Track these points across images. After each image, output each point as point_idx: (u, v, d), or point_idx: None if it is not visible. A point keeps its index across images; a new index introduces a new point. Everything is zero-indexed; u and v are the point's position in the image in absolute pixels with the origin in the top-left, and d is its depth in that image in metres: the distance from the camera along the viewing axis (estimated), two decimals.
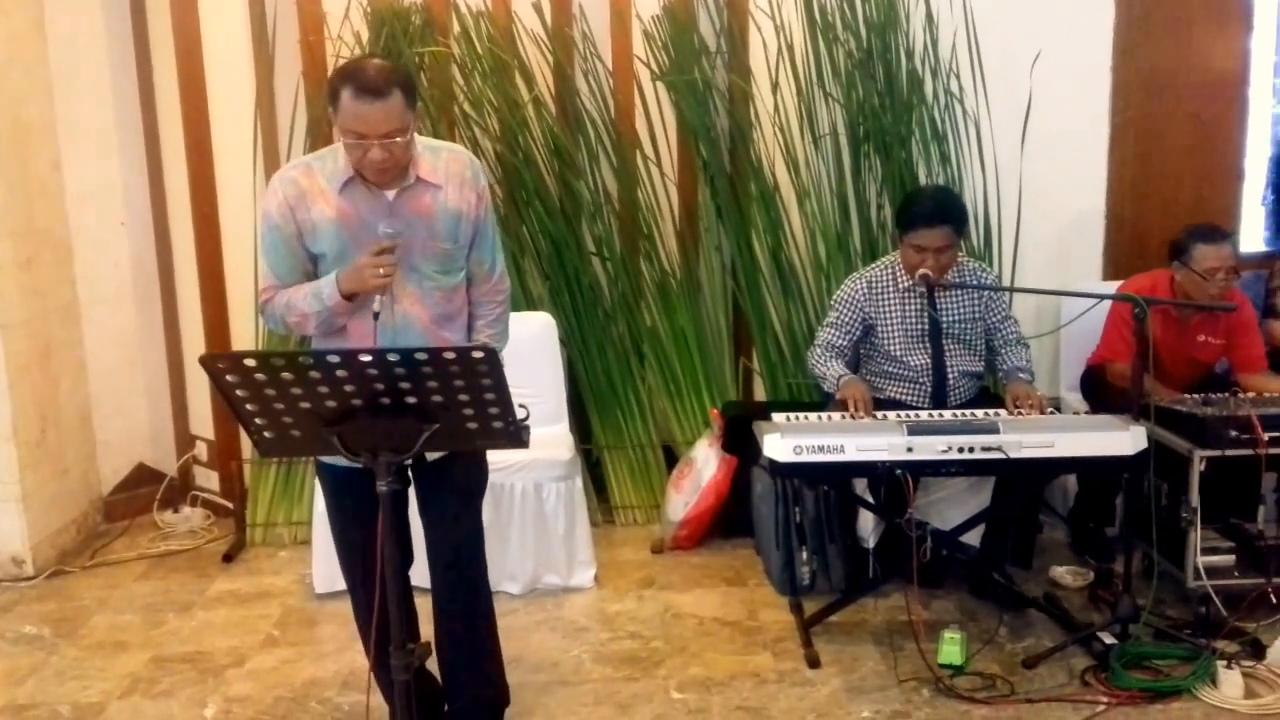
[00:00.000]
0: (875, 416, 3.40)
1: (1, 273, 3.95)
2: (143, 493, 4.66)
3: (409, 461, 2.51)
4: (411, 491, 2.71)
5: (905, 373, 3.70)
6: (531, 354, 3.99)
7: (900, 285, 3.68)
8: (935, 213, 3.57)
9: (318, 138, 4.23)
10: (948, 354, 3.68)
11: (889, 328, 3.69)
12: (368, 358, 2.02)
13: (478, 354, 2.02)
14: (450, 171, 2.57)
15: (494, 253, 2.71)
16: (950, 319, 3.68)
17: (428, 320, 2.57)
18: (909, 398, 3.70)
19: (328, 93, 2.44)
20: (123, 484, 4.66)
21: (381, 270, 2.38)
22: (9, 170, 4.00)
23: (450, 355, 2.01)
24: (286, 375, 2.03)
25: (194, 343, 4.55)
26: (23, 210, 4.09)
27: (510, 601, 3.71)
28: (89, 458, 4.52)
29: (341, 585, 3.50)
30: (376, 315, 2.40)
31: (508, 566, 3.75)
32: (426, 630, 2.81)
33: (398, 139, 2.38)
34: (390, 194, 2.48)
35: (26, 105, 4.12)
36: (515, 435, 2.22)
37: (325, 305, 2.47)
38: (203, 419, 4.63)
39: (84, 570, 4.15)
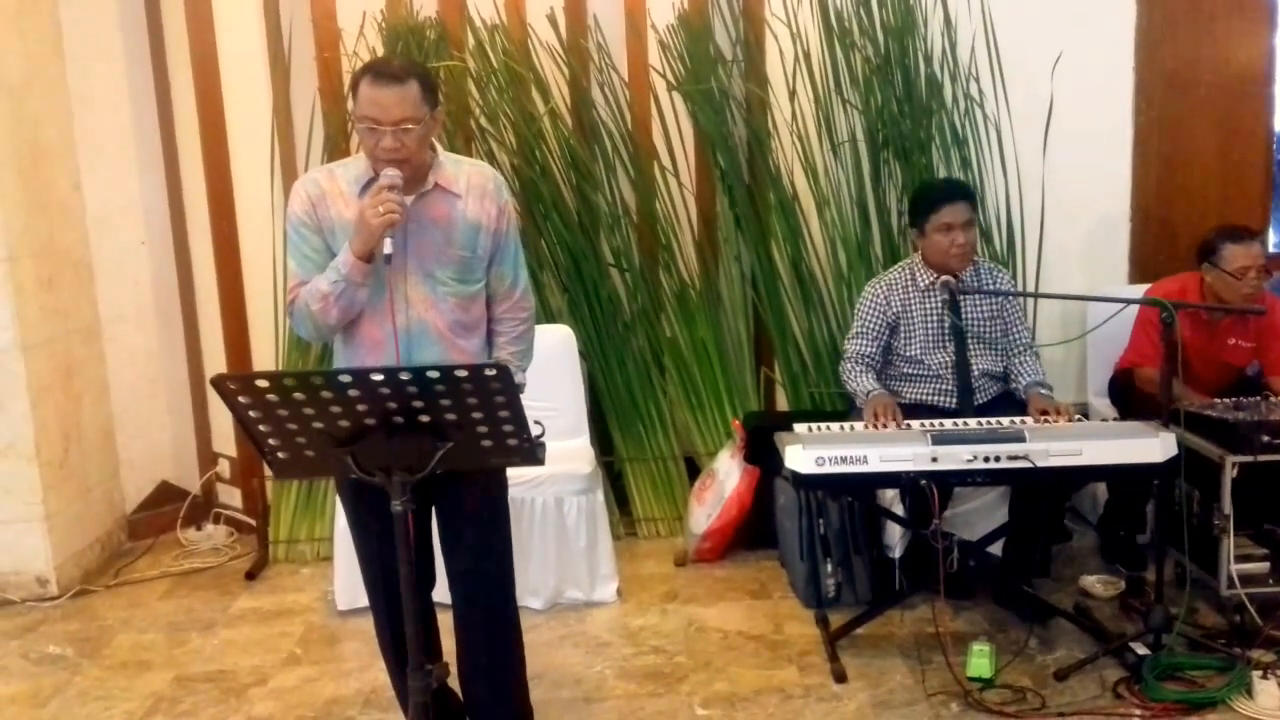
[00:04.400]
0: (900, 424, 3.36)
1: (23, 293, 3.96)
2: (166, 510, 4.66)
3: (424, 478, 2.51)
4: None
5: (927, 373, 3.66)
6: (551, 367, 3.96)
7: (920, 285, 3.64)
8: (953, 188, 3.71)
9: (334, 153, 4.23)
10: (970, 354, 3.64)
11: (911, 328, 3.66)
12: (380, 376, 2.00)
13: (490, 371, 1.99)
14: (471, 183, 2.57)
15: (516, 269, 2.69)
16: (971, 319, 3.65)
17: (444, 327, 2.55)
18: (934, 398, 3.66)
19: (350, 87, 2.47)
20: (146, 502, 4.67)
21: (381, 208, 2.35)
22: (29, 191, 4.02)
23: (463, 373, 1.99)
24: (299, 395, 2.01)
25: (215, 360, 4.56)
26: (43, 231, 4.10)
27: (532, 617, 3.68)
28: (112, 476, 4.52)
29: (363, 602, 3.52)
30: (388, 259, 2.38)
31: (529, 581, 3.71)
32: (450, 644, 2.78)
33: (410, 127, 2.38)
34: (409, 199, 2.47)
35: (46, 126, 4.14)
36: (530, 453, 2.19)
37: (342, 274, 2.44)
38: (225, 436, 4.63)
39: (108, 589, 4.15)
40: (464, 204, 2.55)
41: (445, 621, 2.79)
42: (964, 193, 3.66)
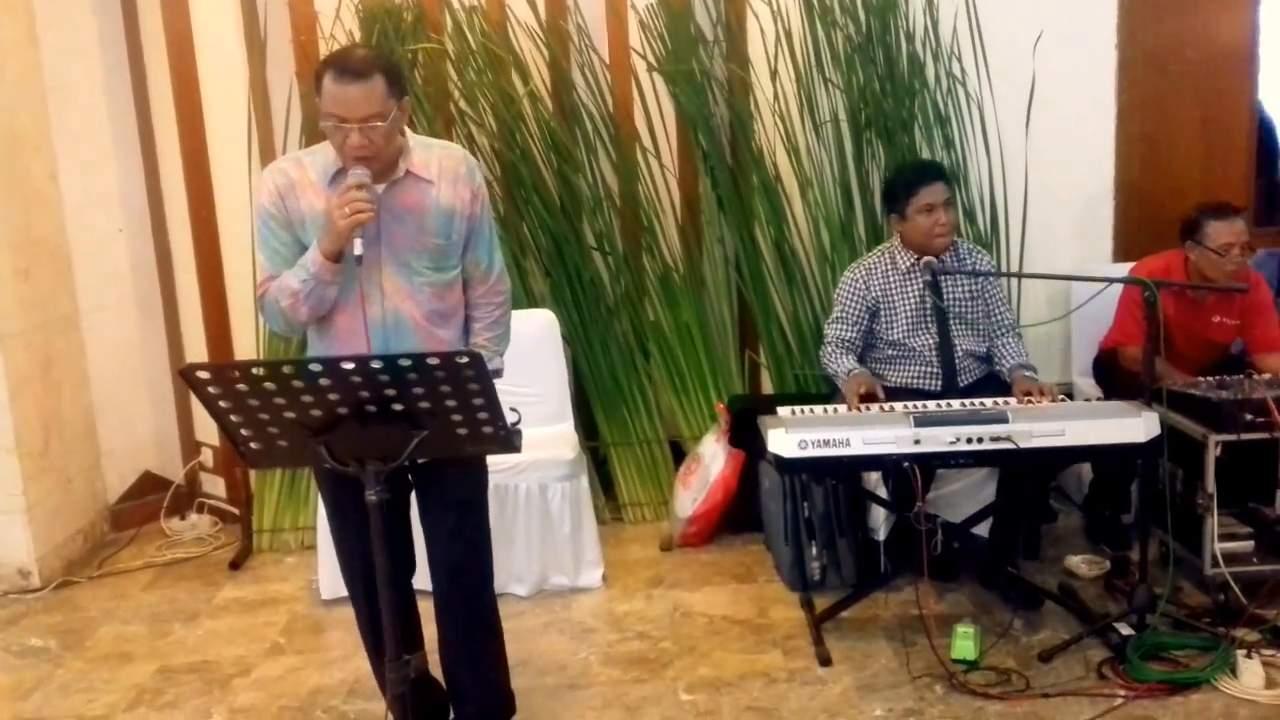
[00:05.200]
0: (883, 401, 3.34)
1: (0, 283, 3.92)
2: (150, 500, 4.64)
3: (406, 465, 2.48)
4: (413, 497, 2.67)
5: (910, 356, 3.64)
6: (534, 352, 3.95)
7: (900, 268, 3.63)
8: (929, 168, 3.72)
9: (312, 137, 4.18)
10: (953, 335, 3.62)
11: (892, 311, 3.64)
12: (350, 365, 1.98)
13: (463, 359, 1.97)
14: (444, 168, 2.52)
15: (491, 252, 2.65)
16: (952, 300, 3.64)
17: (420, 317, 2.52)
18: (918, 381, 3.64)
19: (314, 80, 2.41)
20: (129, 492, 4.64)
21: (348, 209, 2.31)
22: (5, 180, 3.97)
23: (435, 361, 1.97)
24: (269, 385, 1.98)
25: (196, 348, 4.52)
26: (20, 220, 4.06)
27: (517, 603, 3.67)
28: (94, 467, 4.49)
29: (346, 591, 3.50)
30: (359, 260, 2.35)
31: (514, 568, 3.71)
32: (431, 631, 2.77)
33: (377, 124, 2.34)
34: (380, 188, 2.43)
35: (20, 115, 4.09)
36: (506, 440, 2.17)
37: (311, 273, 2.40)
38: (208, 425, 4.59)
39: (91, 580, 4.13)
40: (436, 190, 2.50)
41: (426, 609, 2.77)
42: (941, 173, 3.66)
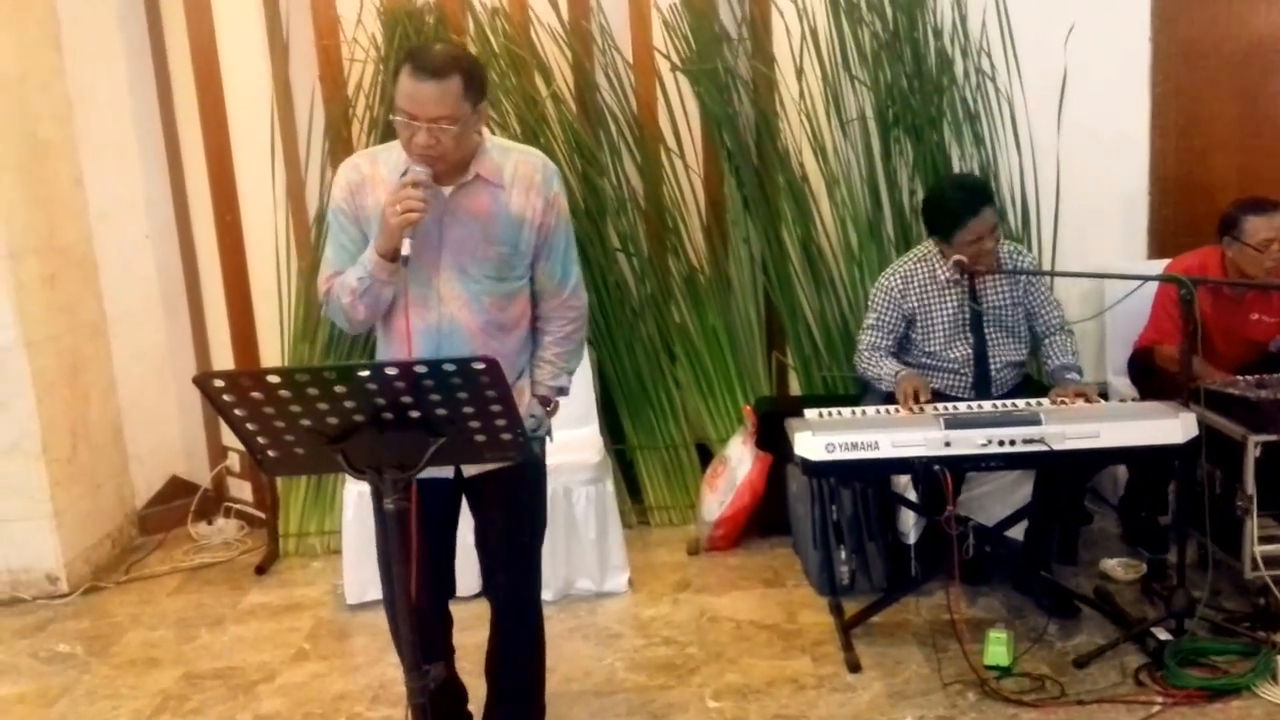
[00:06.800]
0: (936, 407, 3.26)
1: (26, 290, 3.93)
2: (177, 505, 4.64)
3: (452, 480, 2.47)
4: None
5: (945, 365, 3.57)
6: None
7: (940, 279, 3.53)
8: (975, 195, 3.45)
9: (335, 140, 4.19)
10: (990, 344, 3.54)
11: (930, 322, 3.56)
12: (366, 373, 1.95)
13: (479, 365, 1.93)
14: (518, 174, 2.44)
15: (566, 265, 2.56)
16: (991, 307, 3.55)
17: (477, 327, 2.45)
18: (950, 389, 3.57)
19: (393, 70, 2.37)
20: (157, 497, 4.65)
21: (399, 206, 2.25)
22: (30, 187, 3.99)
23: (451, 368, 1.93)
24: (284, 393, 1.95)
25: (222, 353, 4.54)
26: (45, 227, 4.07)
27: (543, 608, 3.62)
28: (121, 472, 4.51)
29: (371, 595, 3.50)
30: (406, 260, 2.29)
31: None
32: (460, 639, 2.76)
33: (446, 127, 2.27)
34: (447, 190, 2.38)
35: (45, 122, 4.10)
36: (525, 447, 2.13)
37: (368, 270, 2.36)
38: None
39: (118, 586, 4.13)
40: (507, 196, 2.42)
41: (460, 615, 2.75)
42: (986, 195, 3.47)
